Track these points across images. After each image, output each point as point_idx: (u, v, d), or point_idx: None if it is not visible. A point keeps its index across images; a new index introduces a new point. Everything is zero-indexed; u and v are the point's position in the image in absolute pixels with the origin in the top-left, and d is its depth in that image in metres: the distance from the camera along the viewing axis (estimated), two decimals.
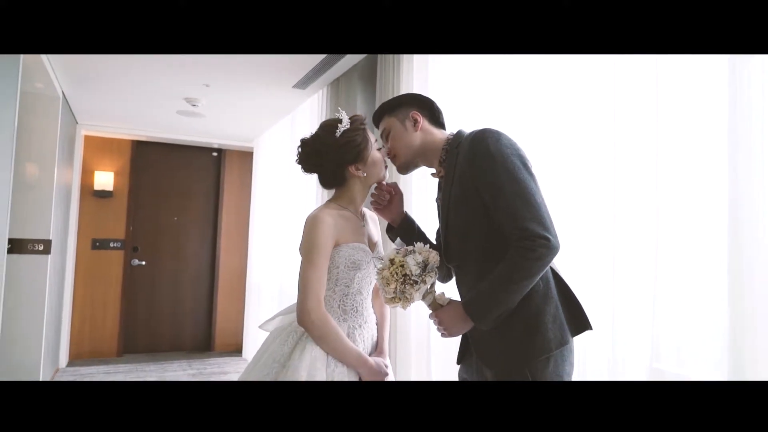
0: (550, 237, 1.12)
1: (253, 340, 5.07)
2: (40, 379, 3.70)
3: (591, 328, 1.23)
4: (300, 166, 1.46)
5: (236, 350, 5.56)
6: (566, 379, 1.20)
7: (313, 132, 1.47)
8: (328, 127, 1.43)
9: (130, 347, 5.35)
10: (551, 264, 1.23)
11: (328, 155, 1.41)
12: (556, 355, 1.18)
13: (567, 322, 1.20)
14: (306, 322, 1.31)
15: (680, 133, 1.44)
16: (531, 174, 1.20)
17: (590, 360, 1.53)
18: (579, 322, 1.23)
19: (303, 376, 1.28)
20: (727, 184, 1.27)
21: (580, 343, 1.47)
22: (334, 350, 1.33)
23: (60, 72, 3.41)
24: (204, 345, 5.63)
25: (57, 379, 4.40)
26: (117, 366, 4.88)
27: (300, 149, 1.45)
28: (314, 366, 1.30)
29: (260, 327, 1.50)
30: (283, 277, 4.26)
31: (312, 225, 1.35)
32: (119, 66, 3.28)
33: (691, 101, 1.43)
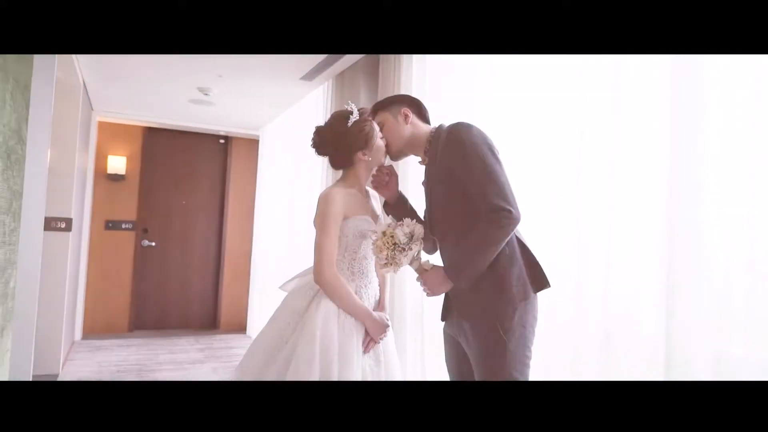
0: (512, 210, 1.39)
1: (258, 319, 5.34)
2: (62, 351, 3.98)
3: (549, 286, 1.50)
4: (314, 150, 1.72)
5: (241, 329, 5.83)
6: (529, 328, 1.47)
7: (327, 121, 1.73)
8: (340, 117, 1.68)
9: (140, 324, 5.63)
10: (517, 233, 1.51)
11: (340, 142, 1.66)
12: (520, 308, 1.45)
13: (529, 281, 1.48)
14: (320, 281, 1.59)
15: (635, 130, 1.71)
16: (497, 158, 1.46)
17: (557, 319, 1.82)
18: (539, 281, 1.50)
19: (318, 325, 1.55)
20: (668, 177, 1.54)
21: (548, 305, 1.75)
22: (344, 305, 1.60)
23: (83, 62, 3.66)
24: (210, 323, 5.91)
25: (73, 351, 4.68)
26: (129, 340, 5.17)
27: (315, 135, 1.71)
28: (327, 316, 1.57)
29: (280, 287, 1.77)
30: (286, 258, 4.50)
31: (325, 200, 1.63)
32: (138, 57, 3.52)
33: (645, 96, 1.69)
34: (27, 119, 1.77)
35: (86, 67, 3.76)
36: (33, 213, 2.43)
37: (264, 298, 5.15)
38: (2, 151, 1.46)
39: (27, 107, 1.74)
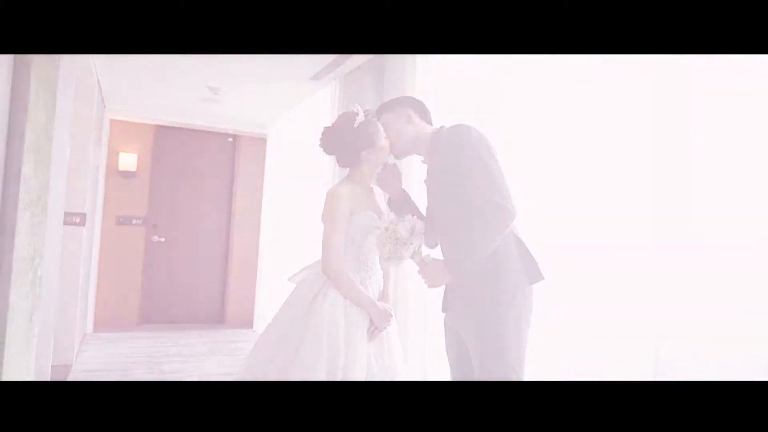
0: (509, 206, 1.48)
1: (264, 314, 5.43)
2: (75, 343, 4.10)
3: (544, 278, 1.60)
4: (322, 149, 1.83)
5: (247, 324, 5.94)
6: (524, 318, 1.56)
7: (334, 122, 1.84)
8: (347, 118, 1.79)
9: (149, 318, 5.75)
10: (514, 229, 1.60)
11: (347, 142, 1.77)
12: (517, 299, 1.55)
13: (525, 274, 1.57)
14: (328, 272, 1.69)
15: (631, 127, 1.80)
16: (495, 158, 1.56)
17: (552, 309, 1.91)
18: (534, 274, 1.59)
19: (326, 313, 1.66)
20: (660, 175, 1.63)
21: (543, 295, 1.84)
22: (350, 295, 1.71)
23: (98, 61, 3.77)
24: (217, 318, 6.03)
25: (85, 343, 4.81)
26: (139, 333, 5.30)
27: (323, 135, 1.82)
28: (334, 306, 1.68)
29: (289, 279, 1.87)
30: (293, 255, 4.59)
31: (332, 197, 1.73)
32: (150, 56, 3.62)
33: (639, 92, 1.76)
34: (54, 117, 1.88)
35: (101, 65, 3.88)
36: (55, 207, 2.54)
37: (271, 294, 5.25)
38: (35, 148, 1.57)
39: (54, 105, 1.85)
